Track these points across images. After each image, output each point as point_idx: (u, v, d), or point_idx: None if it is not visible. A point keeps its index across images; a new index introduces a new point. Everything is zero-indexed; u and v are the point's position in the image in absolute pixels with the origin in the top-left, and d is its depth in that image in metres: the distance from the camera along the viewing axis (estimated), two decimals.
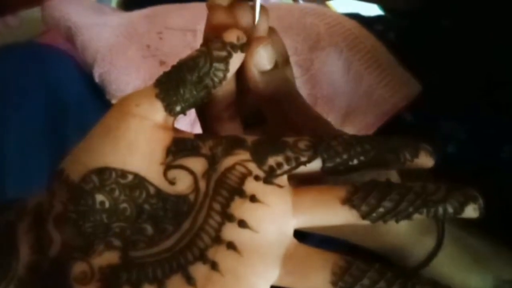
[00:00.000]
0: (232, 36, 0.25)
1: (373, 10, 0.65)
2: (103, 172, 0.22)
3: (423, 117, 0.46)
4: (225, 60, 0.24)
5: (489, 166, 0.40)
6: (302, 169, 0.23)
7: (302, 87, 0.52)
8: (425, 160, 0.24)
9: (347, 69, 0.53)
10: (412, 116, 0.47)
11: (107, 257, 0.21)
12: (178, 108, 0.23)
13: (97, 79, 0.51)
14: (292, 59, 0.53)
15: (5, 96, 0.44)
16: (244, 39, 0.25)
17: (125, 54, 0.52)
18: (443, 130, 0.44)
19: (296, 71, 0.53)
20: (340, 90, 0.52)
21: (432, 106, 0.46)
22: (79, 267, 0.21)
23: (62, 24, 0.54)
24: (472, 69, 0.46)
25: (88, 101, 0.47)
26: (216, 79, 0.24)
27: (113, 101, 0.50)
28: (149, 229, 0.22)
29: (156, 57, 0.51)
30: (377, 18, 0.60)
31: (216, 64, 0.24)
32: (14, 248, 0.22)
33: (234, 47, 0.25)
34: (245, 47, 0.25)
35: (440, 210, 0.22)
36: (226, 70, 0.24)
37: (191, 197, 0.22)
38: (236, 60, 0.25)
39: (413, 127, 0.47)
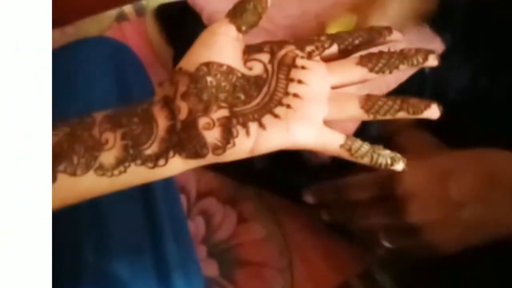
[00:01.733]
0: None
1: None
2: (208, 64, 0.33)
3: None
4: None
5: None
6: (327, 51, 0.35)
7: None
8: (396, 36, 0.37)
9: None
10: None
11: (221, 113, 0.32)
12: (244, 28, 0.35)
13: None
14: None
15: (79, 81, 0.52)
16: None
17: None
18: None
19: None
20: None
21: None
22: (204, 120, 0.32)
23: None
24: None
25: (150, 92, 0.51)
26: (263, 5, 0.35)
27: None
28: (242, 96, 0.33)
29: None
30: None
31: None
32: (153, 120, 0.32)
33: None
34: None
35: (414, 61, 0.35)
36: (267, 1, 0.35)
37: (264, 75, 0.34)
38: None
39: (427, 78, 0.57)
